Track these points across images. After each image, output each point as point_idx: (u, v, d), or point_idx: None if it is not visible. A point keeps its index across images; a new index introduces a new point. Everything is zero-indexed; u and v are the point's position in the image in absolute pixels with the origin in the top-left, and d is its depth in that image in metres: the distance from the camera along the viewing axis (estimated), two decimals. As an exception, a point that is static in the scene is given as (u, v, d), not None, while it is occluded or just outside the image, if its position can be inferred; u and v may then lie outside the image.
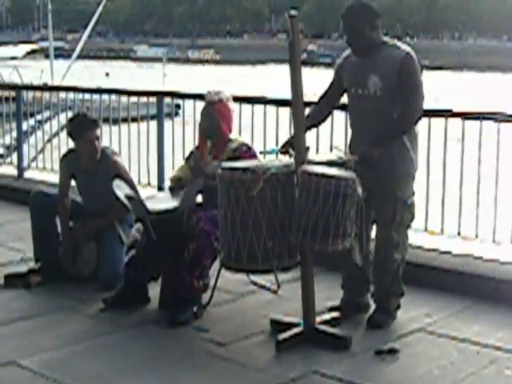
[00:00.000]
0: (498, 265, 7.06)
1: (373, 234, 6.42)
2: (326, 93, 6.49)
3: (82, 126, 7.27)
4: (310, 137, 6.16)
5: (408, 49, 6.12)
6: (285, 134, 7.40)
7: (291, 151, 5.98)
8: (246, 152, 6.51)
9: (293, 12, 5.80)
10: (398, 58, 6.01)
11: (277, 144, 7.24)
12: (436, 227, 7.69)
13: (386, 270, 6.24)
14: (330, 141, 7.44)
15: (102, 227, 7.16)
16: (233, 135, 6.83)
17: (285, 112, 7.83)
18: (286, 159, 6.18)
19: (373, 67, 6.06)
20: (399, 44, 6.17)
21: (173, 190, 6.88)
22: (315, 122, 6.44)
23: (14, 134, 12.23)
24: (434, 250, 7.46)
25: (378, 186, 5.98)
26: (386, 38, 6.19)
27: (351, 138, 6.42)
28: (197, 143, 7.01)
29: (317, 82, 6.33)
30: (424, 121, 7.26)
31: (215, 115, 6.65)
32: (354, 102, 6.26)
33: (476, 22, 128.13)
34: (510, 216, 7.36)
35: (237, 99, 8.32)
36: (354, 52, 6.23)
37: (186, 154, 7.23)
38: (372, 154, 5.90)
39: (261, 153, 6.83)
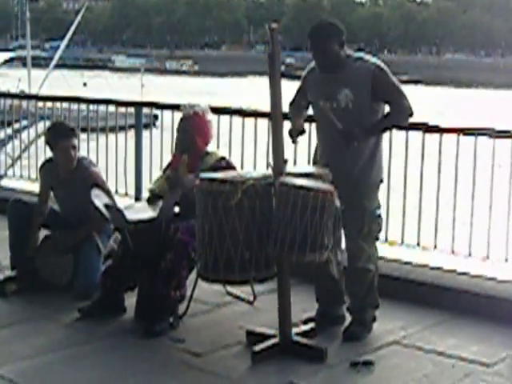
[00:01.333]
0: (471, 278, 7.10)
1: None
2: (294, 99, 6.51)
3: (58, 134, 7.29)
4: (287, 149, 6.18)
5: (373, 59, 6.20)
6: (263, 145, 7.45)
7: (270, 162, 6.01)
8: (224, 167, 6.52)
9: (273, 24, 5.83)
10: (368, 71, 6.05)
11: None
12: (395, 238, 7.78)
13: (360, 281, 6.25)
14: (308, 154, 7.46)
15: (82, 237, 7.16)
16: (210, 148, 6.85)
17: (262, 123, 7.85)
18: (264, 171, 6.21)
19: (343, 81, 6.07)
20: (363, 56, 6.23)
21: (150, 201, 6.90)
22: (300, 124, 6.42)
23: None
24: (409, 263, 7.48)
25: (348, 196, 5.98)
26: (348, 51, 6.20)
27: (320, 150, 6.42)
28: (173, 156, 7.01)
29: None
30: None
31: (190, 130, 6.67)
32: (323, 117, 6.21)
33: (453, 37, 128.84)
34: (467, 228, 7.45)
35: (215, 110, 8.40)
36: (321, 69, 6.22)
37: (164, 164, 7.23)
38: (358, 134, 5.93)
39: None
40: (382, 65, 6.12)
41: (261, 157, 7.91)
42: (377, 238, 6.41)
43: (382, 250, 7.48)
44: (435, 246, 7.59)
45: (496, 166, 7.29)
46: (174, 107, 8.44)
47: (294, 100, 6.51)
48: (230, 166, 6.63)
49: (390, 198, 7.64)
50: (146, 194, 7.26)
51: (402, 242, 7.73)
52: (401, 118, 6.17)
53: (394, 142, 7.51)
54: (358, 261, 6.21)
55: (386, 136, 6.50)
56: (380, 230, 6.42)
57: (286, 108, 6.12)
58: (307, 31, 6.19)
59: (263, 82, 5.97)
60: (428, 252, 7.65)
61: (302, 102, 6.46)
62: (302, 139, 6.75)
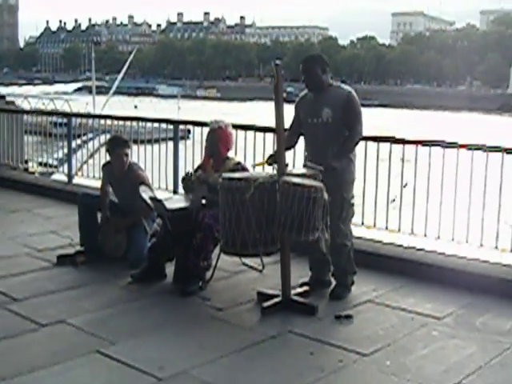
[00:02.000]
0: (426, 253, 7.09)
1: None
2: (291, 125, 6.46)
3: (115, 144, 7.33)
4: (288, 155, 6.18)
5: (349, 88, 6.22)
6: (269, 153, 7.43)
7: (275, 165, 6.00)
8: (240, 169, 6.53)
9: (277, 61, 5.88)
10: (343, 96, 6.10)
11: (263, 158, 7.22)
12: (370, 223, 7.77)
13: (340, 253, 6.25)
14: (304, 159, 7.44)
15: (133, 221, 7.17)
16: (230, 154, 6.84)
17: (269, 137, 7.84)
18: (270, 171, 6.22)
19: (325, 102, 6.11)
20: (342, 85, 6.27)
21: (185, 190, 6.91)
22: (287, 146, 6.43)
23: (65, 150, 12.21)
24: (379, 241, 7.45)
25: (331, 190, 5.97)
26: (331, 81, 6.24)
27: (307, 156, 6.38)
28: (203, 160, 7.02)
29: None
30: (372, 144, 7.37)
31: (215, 140, 6.68)
32: (310, 129, 6.25)
33: (413, 72, 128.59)
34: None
35: (234, 127, 8.38)
36: (309, 89, 6.28)
37: (195, 166, 7.24)
38: (336, 164, 5.95)
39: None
40: (354, 93, 6.16)
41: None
42: (351, 220, 6.40)
43: (360, 231, 7.51)
44: (399, 229, 7.56)
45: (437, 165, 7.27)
46: (202, 124, 8.41)
47: (290, 129, 6.45)
48: (244, 168, 6.64)
49: (365, 192, 7.65)
50: (181, 189, 7.21)
51: (375, 226, 7.70)
52: (354, 141, 6.15)
53: (368, 151, 7.49)
54: (337, 238, 6.18)
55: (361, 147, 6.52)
56: (353, 214, 6.42)
57: (286, 125, 6.11)
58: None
59: (270, 106, 5.96)
60: (394, 233, 7.62)
61: (298, 125, 6.40)
62: (299, 150, 6.76)
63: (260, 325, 5.59)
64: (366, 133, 6.35)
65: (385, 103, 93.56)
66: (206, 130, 7.01)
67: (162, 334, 5.36)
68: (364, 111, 6.24)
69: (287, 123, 6.13)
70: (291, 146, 6.49)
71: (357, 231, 7.25)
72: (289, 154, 6.34)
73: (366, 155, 7.50)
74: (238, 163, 6.75)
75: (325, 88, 6.17)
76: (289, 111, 6.21)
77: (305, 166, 6.31)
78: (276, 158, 5.98)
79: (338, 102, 6.07)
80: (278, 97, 5.82)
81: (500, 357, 5.04)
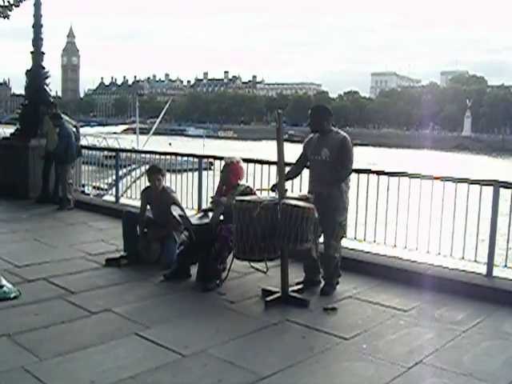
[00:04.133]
0: (396, 259, 7.06)
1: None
2: (298, 160, 6.48)
3: (150, 171, 7.37)
4: (288, 184, 6.20)
5: (345, 134, 6.24)
6: (272, 181, 7.43)
7: (276, 191, 6.01)
8: (249, 193, 6.53)
9: (279, 110, 5.94)
10: (339, 139, 6.13)
11: (268, 185, 7.20)
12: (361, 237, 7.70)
13: (330, 262, 6.24)
14: (300, 187, 7.43)
15: (165, 233, 7.17)
16: (241, 182, 6.84)
17: (273, 168, 7.85)
18: (272, 195, 6.23)
19: (324, 143, 6.14)
20: (340, 131, 6.28)
21: (205, 212, 6.92)
22: (292, 176, 6.46)
23: (114, 177, 12.25)
24: (360, 250, 7.42)
25: (326, 213, 5.98)
26: (332, 127, 6.27)
27: (310, 184, 6.38)
28: (217, 187, 7.02)
29: (293, 152, 6.42)
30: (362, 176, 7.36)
31: (228, 172, 6.72)
32: (313, 164, 6.30)
33: (387, 119, 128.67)
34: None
35: (246, 160, 8.42)
36: (314, 132, 6.32)
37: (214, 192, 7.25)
38: (322, 191, 5.97)
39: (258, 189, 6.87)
40: (348, 138, 6.19)
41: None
42: (342, 237, 6.39)
43: (352, 244, 7.54)
44: (375, 241, 7.54)
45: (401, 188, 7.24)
46: (221, 158, 8.40)
47: (297, 160, 6.47)
48: (252, 192, 6.63)
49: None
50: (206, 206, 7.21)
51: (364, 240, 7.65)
52: (344, 175, 6.15)
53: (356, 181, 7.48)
54: (329, 251, 6.19)
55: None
56: (345, 233, 6.47)
57: (286, 159, 6.09)
58: (306, 111, 6.34)
59: (274, 144, 5.98)
60: (371, 244, 7.60)
61: (303, 159, 6.42)
62: (295, 180, 6.77)
63: (264, 314, 5.57)
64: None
65: (365, 143, 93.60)
66: (223, 163, 7.02)
67: (187, 321, 5.36)
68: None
69: (287, 158, 6.13)
70: (295, 175, 6.53)
71: (348, 243, 7.30)
72: (288, 182, 6.36)
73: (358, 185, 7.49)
74: (247, 187, 6.75)
75: (325, 132, 6.21)
76: (289, 148, 6.26)
77: (309, 191, 6.28)
78: (277, 185, 6.00)
79: (335, 144, 6.11)
80: (280, 137, 5.86)
81: (453, 341, 5.02)
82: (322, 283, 6.36)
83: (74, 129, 11.44)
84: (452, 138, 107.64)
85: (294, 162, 6.57)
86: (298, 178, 6.82)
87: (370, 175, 7.49)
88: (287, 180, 6.28)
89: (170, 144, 48.68)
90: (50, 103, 11.87)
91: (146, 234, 7.23)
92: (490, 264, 6.53)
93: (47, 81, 12.50)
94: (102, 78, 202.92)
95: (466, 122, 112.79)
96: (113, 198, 11.62)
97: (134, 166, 14.79)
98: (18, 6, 12.81)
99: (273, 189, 6.24)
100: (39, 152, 11.66)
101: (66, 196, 10.96)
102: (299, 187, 7.38)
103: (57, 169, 11.34)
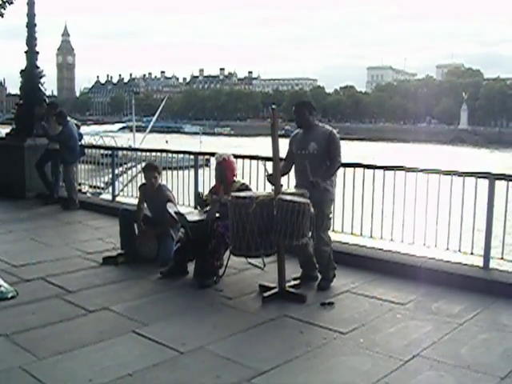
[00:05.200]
0: (393, 253, 7.07)
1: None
2: (286, 157, 6.42)
3: (146, 169, 7.39)
4: (283, 179, 6.20)
5: (330, 128, 6.28)
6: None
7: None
8: (245, 189, 6.53)
9: (273, 106, 5.95)
10: (326, 133, 6.16)
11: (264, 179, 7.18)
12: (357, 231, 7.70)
13: (323, 256, 6.24)
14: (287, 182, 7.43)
15: (162, 231, 7.18)
16: (236, 178, 6.84)
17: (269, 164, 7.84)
18: (268, 191, 6.23)
19: (312, 137, 6.15)
20: (325, 125, 6.34)
21: (200, 206, 6.92)
22: (283, 173, 6.41)
23: (110, 175, 12.24)
24: (357, 245, 7.43)
25: (314, 206, 5.98)
26: (317, 122, 6.29)
27: (296, 177, 6.37)
28: (215, 184, 7.02)
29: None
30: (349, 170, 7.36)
31: (223, 169, 6.72)
32: (299, 158, 6.23)
33: (384, 113, 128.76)
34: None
35: (242, 157, 8.44)
36: (298, 126, 6.35)
37: (209, 188, 7.24)
38: (320, 183, 5.94)
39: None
40: (334, 131, 6.23)
41: (267, 183, 7.89)
42: (329, 229, 6.39)
43: (345, 238, 7.57)
44: (371, 235, 7.55)
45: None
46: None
47: (285, 159, 6.41)
48: (248, 189, 6.64)
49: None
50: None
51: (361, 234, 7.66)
52: (335, 168, 6.15)
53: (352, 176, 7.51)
54: (319, 244, 6.19)
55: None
56: (330, 225, 6.49)
57: (282, 154, 6.10)
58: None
59: (270, 140, 5.98)
60: (367, 238, 7.60)
61: (291, 156, 6.38)
62: (291, 175, 6.76)
63: (261, 310, 5.58)
64: (348, 160, 6.34)
65: (362, 137, 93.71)
66: (215, 160, 6.99)
67: (184, 318, 5.37)
68: (347, 143, 6.26)
69: (282, 153, 6.15)
70: (286, 172, 6.52)
71: (345, 238, 7.37)
72: (283, 178, 6.37)
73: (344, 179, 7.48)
74: (243, 184, 6.76)
75: (311, 126, 6.21)
76: (285, 144, 6.26)
77: (296, 186, 6.33)
78: (273, 181, 5.99)
79: (323, 138, 6.11)
80: (274, 133, 5.87)
81: (450, 334, 5.03)
82: (319, 278, 6.35)
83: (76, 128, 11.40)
84: (449, 131, 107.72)
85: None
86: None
87: (366, 169, 7.48)
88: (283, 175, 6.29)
89: (166, 142, 48.65)
90: (51, 103, 11.85)
91: (143, 231, 7.23)
92: (487, 256, 6.55)
93: (42, 80, 12.49)
94: (97, 77, 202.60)
95: (463, 114, 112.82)
96: (109, 197, 11.62)
97: (130, 165, 14.81)
98: (12, 2, 12.80)
99: (268, 179, 6.21)
100: (36, 152, 11.65)
101: (71, 196, 10.95)
102: (287, 183, 7.41)
103: (56, 168, 11.34)
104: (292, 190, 6.27)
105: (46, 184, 11.47)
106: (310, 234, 5.87)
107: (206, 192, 7.10)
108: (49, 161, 11.42)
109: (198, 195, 6.88)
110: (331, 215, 6.39)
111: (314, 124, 6.24)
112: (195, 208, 8.80)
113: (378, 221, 7.47)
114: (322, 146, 6.10)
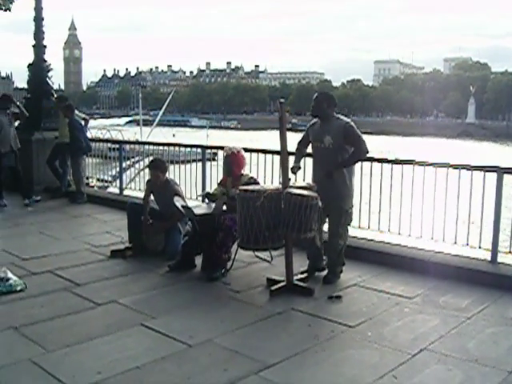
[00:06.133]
0: (401, 247, 7.07)
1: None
2: (301, 140, 6.45)
3: (151, 167, 7.40)
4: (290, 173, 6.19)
5: (347, 119, 6.22)
6: (276, 171, 7.42)
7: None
8: (253, 183, 6.52)
9: (281, 100, 5.91)
10: (342, 125, 6.11)
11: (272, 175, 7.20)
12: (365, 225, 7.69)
13: (335, 250, 6.24)
14: (303, 175, 7.43)
15: (170, 225, 7.18)
16: (244, 172, 6.84)
17: (276, 158, 7.83)
18: (276, 184, 6.23)
19: (327, 130, 6.12)
20: (342, 117, 6.26)
21: (209, 201, 6.91)
22: (301, 155, 6.45)
23: (118, 169, 12.26)
24: (365, 238, 7.42)
25: (333, 202, 5.98)
26: (335, 114, 6.23)
27: (313, 170, 6.38)
28: (222, 178, 7.00)
29: (296, 141, 6.41)
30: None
31: (230, 162, 6.70)
32: (316, 151, 6.28)
33: (391, 107, 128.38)
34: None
35: (250, 150, 8.43)
36: (313, 116, 6.31)
37: (218, 182, 7.24)
38: (333, 172, 5.98)
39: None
40: (351, 123, 6.15)
41: (275, 177, 7.90)
42: (349, 225, 6.37)
43: (355, 232, 7.48)
44: (379, 229, 7.54)
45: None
46: (223, 148, 8.42)
47: (299, 143, 6.48)
48: (256, 182, 6.63)
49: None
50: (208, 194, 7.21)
51: (369, 228, 7.67)
52: (359, 156, 6.18)
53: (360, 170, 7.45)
54: (334, 238, 6.19)
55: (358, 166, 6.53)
56: (351, 220, 6.41)
57: (290, 148, 6.08)
58: (310, 100, 6.32)
59: (277, 134, 5.97)
60: (375, 232, 7.58)
61: (303, 147, 6.45)
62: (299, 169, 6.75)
63: (269, 303, 5.58)
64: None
65: (369, 131, 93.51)
66: (224, 153, 6.99)
67: (192, 311, 5.37)
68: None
69: (290, 147, 6.13)
70: (303, 154, 6.53)
71: (353, 232, 7.30)
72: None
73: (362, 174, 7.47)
74: (251, 177, 6.75)
75: (328, 118, 6.18)
76: (293, 137, 6.25)
77: (313, 180, 6.30)
78: (295, 172, 6.08)
79: (339, 131, 6.08)
80: (282, 127, 5.85)
81: (457, 328, 5.02)
82: (326, 271, 6.35)
83: (83, 122, 11.40)
84: (456, 124, 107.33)
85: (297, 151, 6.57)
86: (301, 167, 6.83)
87: (374, 163, 7.46)
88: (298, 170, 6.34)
89: (173, 135, 48.60)
90: (60, 96, 11.84)
91: (150, 225, 7.25)
92: (495, 250, 6.53)
93: (49, 74, 12.51)
94: (104, 71, 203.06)
95: (470, 108, 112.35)
96: (117, 190, 11.64)
97: (137, 158, 14.83)
98: (19, -3, 12.80)
99: (293, 171, 6.22)
100: (44, 146, 11.67)
101: (79, 189, 10.98)
102: (303, 176, 7.40)
103: (64, 161, 11.35)
104: (300, 183, 6.27)
105: (59, 179, 11.50)
106: (318, 226, 5.87)
107: (213, 189, 7.10)
108: (58, 155, 11.43)
109: (206, 195, 6.89)
110: (351, 210, 6.31)
111: (331, 116, 6.20)
112: (202, 201, 8.81)
113: (386, 214, 7.46)
114: (338, 139, 6.07)
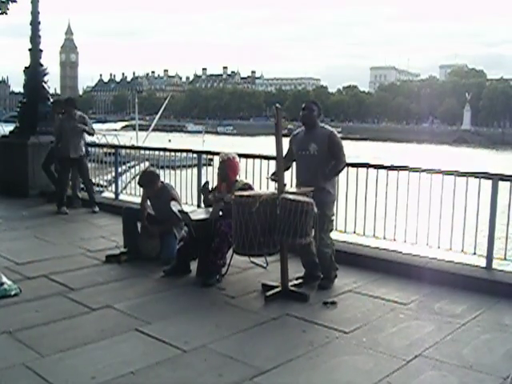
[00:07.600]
0: (396, 253, 7.07)
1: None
2: (286, 155, 6.33)
3: (143, 182, 7.40)
4: (287, 177, 6.20)
5: (331, 128, 6.33)
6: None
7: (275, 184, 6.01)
8: (248, 188, 6.53)
9: (278, 105, 5.91)
10: (326, 134, 6.18)
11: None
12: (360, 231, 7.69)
13: (325, 257, 6.24)
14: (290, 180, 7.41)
15: (165, 229, 7.18)
16: (239, 178, 6.85)
17: (272, 163, 7.83)
18: (272, 190, 6.23)
19: (313, 138, 6.18)
20: (325, 126, 6.34)
21: (204, 194, 6.92)
22: (285, 168, 6.42)
23: (113, 173, 12.24)
24: (359, 244, 7.44)
25: (317, 207, 5.99)
26: (320, 123, 6.31)
27: (297, 174, 6.39)
28: (217, 183, 6.98)
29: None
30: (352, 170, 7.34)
31: (225, 168, 6.71)
32: (300, 159, 6.30)
33: (387, 113, 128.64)
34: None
35: (244, 156, 8.42)
36: (303, 123, 6.34)
37: (212, 187, 7.22)
38: (325, 185, 6.05)
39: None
40: (335, 132, 6.26)
41: (270, 182, 7.89)
42: (331, 231, 6.38)
43: (350, 238, 7.58)
44: (374, 235, 7.54)
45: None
46: (219, 154, 8.42)
47: (286, 155, 6.34)
48: (251, 188, 6.63)
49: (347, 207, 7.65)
50: (203, 204, 7.21)
51: (364, 234, 7.65)
52: (340, 167, 6.23)
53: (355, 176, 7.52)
54: (321, 246, 6.17)
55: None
56: (332, 227, 6.46)
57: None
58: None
59: (273, 139, 5.97)
60: (370, 238, 7.59)
61: (291, 154, 6.41)
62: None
63: (264, 309, 5.58)
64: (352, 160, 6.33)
65: (365, 137, 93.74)
66: (219, 159, 6.98)
67: (187, 316, 5.36)
68: (349, 143, 6.26)
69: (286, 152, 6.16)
70: (286, 169, 6.52)
71: (348, 237, 7.38)
72: (287, 177, 6.36)
73: (348, 177, 7.48)
74: (246, 183, 6.75)
75: (315, 126, 6.24)
76: (286, 143, 6.25)
77: (296, 186, 6.33)
78: (277, 180, 5.98)
79: (323, 139, 6.13)
80: (278, 132, 5.83)
81: (452, 334, 5.02)
82: (321, 277, 6.34)
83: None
84: (451, 131, 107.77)
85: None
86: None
87: (369, 169, 7.47)
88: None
89: (169, 140, 48.60)
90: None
91: (146, 229, 7.24)
92: (490, 257, 6.54)
93: (45, 78, 12.48)
94: (100, 75, 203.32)
95: (466, 115, 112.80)
96: (112, 195, 11.62)
97: (133, 163, 14.78)
98: (15, 1, 12.78)
99: (272, 178, 6.22)
100: (39, 150, 11.64)
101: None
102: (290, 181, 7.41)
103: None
104: (295, 189, 6.27)
105: (55, 183, 11.45)
106: (313, 233, 5.87)
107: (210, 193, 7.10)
108: (54, 160, 11.39)
109: (204, 185, 6.90)
110: (333, 217, 6.38)
111: (317, 124, 6.27)
112: (198, 207, 8.81)
113: (381, 220, 7.47)
114: (322, 147, 6.11)
